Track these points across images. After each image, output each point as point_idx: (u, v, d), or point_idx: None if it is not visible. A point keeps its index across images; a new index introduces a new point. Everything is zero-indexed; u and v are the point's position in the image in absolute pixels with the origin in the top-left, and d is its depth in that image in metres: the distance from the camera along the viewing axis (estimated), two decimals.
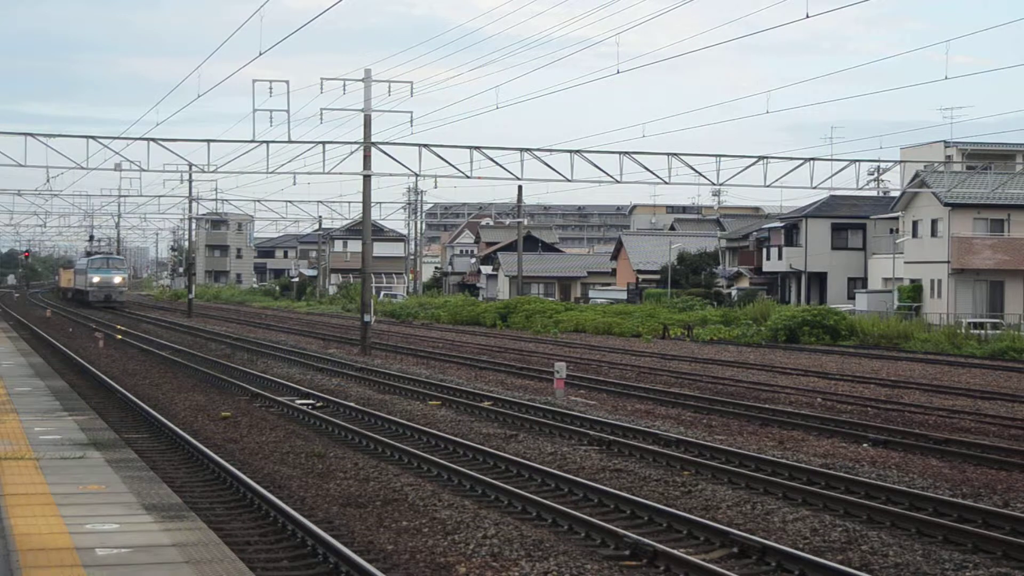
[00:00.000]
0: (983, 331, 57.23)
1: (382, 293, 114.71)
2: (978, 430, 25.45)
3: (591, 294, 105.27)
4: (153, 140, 46.62)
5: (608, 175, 48.90)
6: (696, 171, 49.97)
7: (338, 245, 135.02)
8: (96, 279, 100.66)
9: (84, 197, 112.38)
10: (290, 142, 46.62)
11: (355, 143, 49.26)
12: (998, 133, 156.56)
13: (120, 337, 41.69)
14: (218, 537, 13.05)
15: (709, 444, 22.05)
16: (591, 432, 23.89)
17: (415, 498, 17.10)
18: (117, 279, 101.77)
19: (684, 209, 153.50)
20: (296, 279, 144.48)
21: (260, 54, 41.89)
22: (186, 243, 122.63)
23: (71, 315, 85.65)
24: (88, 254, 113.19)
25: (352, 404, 28.68)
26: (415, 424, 24.98)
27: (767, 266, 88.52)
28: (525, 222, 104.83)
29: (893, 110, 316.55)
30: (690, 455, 21.18)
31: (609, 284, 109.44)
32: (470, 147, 47.47)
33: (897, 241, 74.77)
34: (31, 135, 45.68)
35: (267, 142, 46.52)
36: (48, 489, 15.43)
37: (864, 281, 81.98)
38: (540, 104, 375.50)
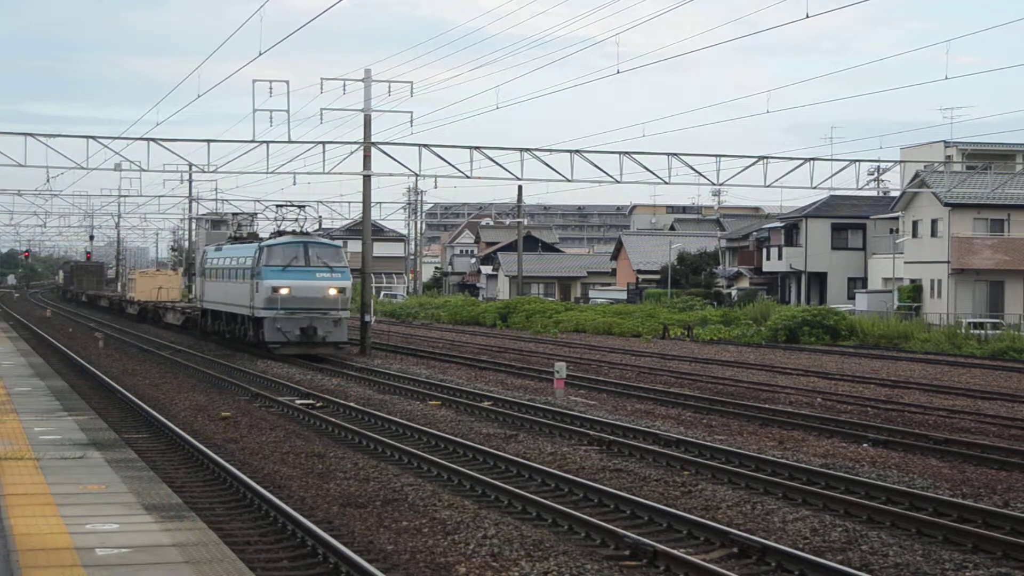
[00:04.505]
0: (983, 331, 57.22)
1: (382, 293, 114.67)
2: (978, 430, 25.45)
3: (591, 294, 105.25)
4: (153, 140, 46.59)
5: (608, 175, 48.88)
6: (696, 171, 49.95)
7: None
8: (283, 289, 43.75)
9: (84, 197, 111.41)
10: (290, 142, 46.62)
11: (355, 143, 49.24)
12: (998, 133, 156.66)
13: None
14: (218, 537, 13.05)
15: (709, 444, 22.05)
16: (591, 432, 23.88)
17: (415, 498, 17.10)
18: (332, 290, 44.19)
19: (684, 209, 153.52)
20: None
21: (260, 54, 41.82)
22: (186, 243, 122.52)
23: (71, 315, 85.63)
24: (272, 235, 49.40)
25: (352, 404, 28.68)
26: (415, 424, 24.98)
27: (767, 266, 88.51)
28: (525, 222, 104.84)
29: (893, 110, 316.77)
30: (690, 455, 21.18)
31: (609, 284, 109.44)
32: (470, 147, 47.45)
33: (897, 241, 74.75)
34: (31, 135, 45.64)
35: (267, 142, 46.49)
36: (48, 489, 15.43)
37: (864, 281, 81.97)
38: (540, 104, 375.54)
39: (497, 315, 78.75)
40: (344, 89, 48.03)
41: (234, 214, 56.43)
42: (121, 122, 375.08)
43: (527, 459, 20.59)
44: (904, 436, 23.78)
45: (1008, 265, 68.02)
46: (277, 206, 50.72)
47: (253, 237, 51.06)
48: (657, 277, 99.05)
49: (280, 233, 46.84)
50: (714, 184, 51.30)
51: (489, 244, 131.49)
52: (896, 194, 73.74)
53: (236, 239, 52.89)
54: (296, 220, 49.25)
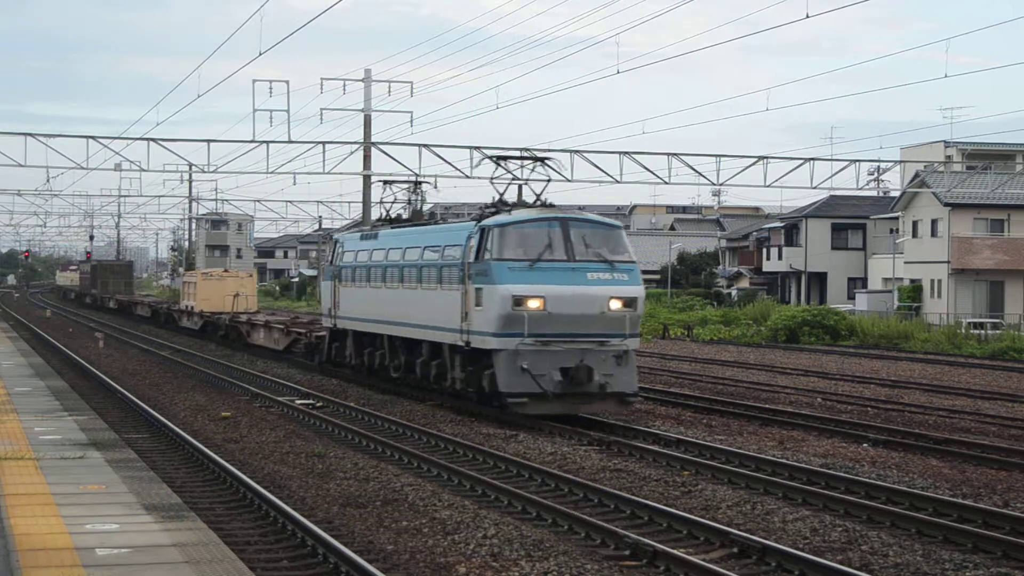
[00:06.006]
0: (983, 331, 57.24)
1: None
2: (978, 430, 25.46)
3: None
4: (153, 140, 46.61)
5: (608, 175, 48.87)
6: (696, 171, 49.98)
7: None
8: (533, 300, 24.87)
9: (84, 197, 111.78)
10: (290, 142, 46.68)
11: (355, 143, 49.30)
12: (998, 133, 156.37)
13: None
14: (218, 537, 13.06)
15: (709, 444, 22.05)
16: (591, 432, 23.87)
17: (415, 498, 17.10)
18: (615, 302, 25.41)
19: (684, 209, 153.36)
20: (296, 279, 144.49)
21: (260, 54, 41.87)
22: (186, 243, 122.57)
23: (71, 315, 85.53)
24: (487, 209, 27.55)
25: (352, 404, 28.69)
26: (415, 424, 24.98)
27: (767, 266, 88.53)
28: None
29: (893, 110, 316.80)
30: (690, 455, 21.18)
31: None
32: (470, 147, 47.46)
33: (897, 241, 74.76)
34: (31, 135, 45.68)
35: (267, 142, 46.53)
36: (48, 489, 15.43)
37: (864, 281, 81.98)
38: (540, 104, 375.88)
39: None
40: (344, 89, 48.23)
41: (386, 182, 35.85)
42: (121, 122, 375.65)
43: (527, 459, 20.59)
44: (904, 436, 23.78)
45: (1008, 265, 68.04)
46: (384, 183, 36.09)
47: (419, 216, 34.11)
48: (657, 277, 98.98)
49: (502, 205, 27.45)
50: (714, 184, 51.45)
51: None
52: (896, 194, 73.76)
53: (396, 221, 34.21)
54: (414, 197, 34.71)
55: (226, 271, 62.97)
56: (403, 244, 30.94)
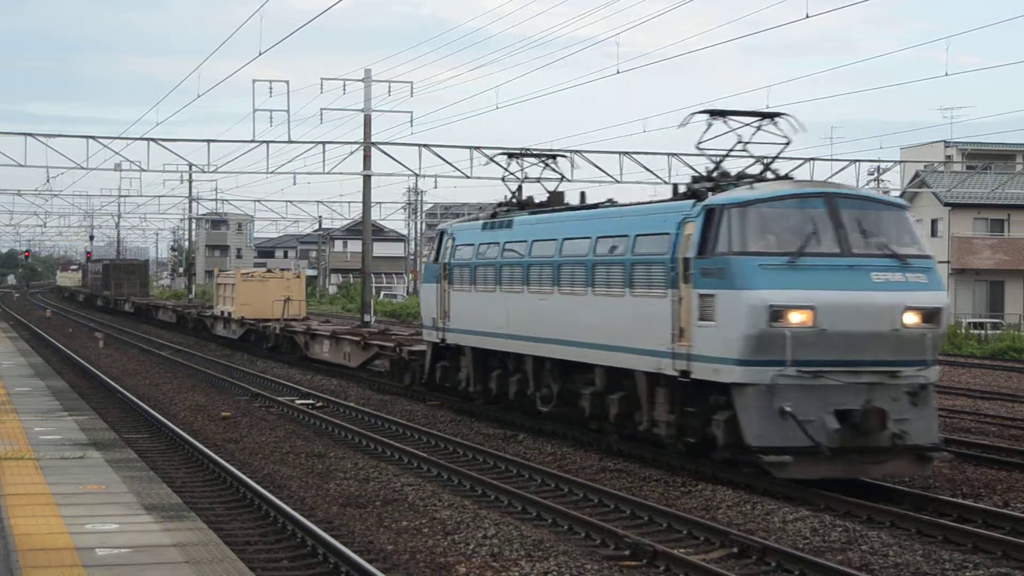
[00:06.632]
0: (983, 331, 57.25)
1: (382, 293, 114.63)
2: (978, 430, 25.46)
3: None
4: (153, 140, 46.61)
5: (608, 175, 48.85)
6: (696, 171, 49.88)
7: (338, 245, 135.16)
8: (796, 312, 17.36)
9: (84, 197, 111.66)
10: (290, 142, 46.67)
11: (355, 143, 49.28)
12: (998, 133, 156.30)
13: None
14: (218, 537, 13.06)
15: None
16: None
17: (415, 498, 17.10)
18: (912, 315, 17.82)
19: None
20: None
21: (260, 54, 41.95)
22: (186, 243, 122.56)
23: (71, 315, 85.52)
24: (699, 181, 20.38)
25: (352, 404, 28.69)
26: (415, 424, 24.99)
27: None
28: None
29: (893, 110, 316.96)
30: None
31: None
32: (470, 147, 47.46)
33: None
34: (31, 135, 45.68)
35: (267, 142, 46.52)
36: (48, 489, 15.43)
37: None
38: (540, 104, 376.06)
39: None
40: (344, 89, 48.17)
41: (510, 154, 29.27)
42: (121, 122, 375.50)
43: (527, 459, 20.59)
44: None
45: (1008, 265, 68.07)
46: (509, 155, 29.20)
47: (558, 199, 26.92)
48: None
49: (724, 178, 20.46)
50: None
51: None
52: (896, 194, 73.79)
53: (529, 205, 26.98)
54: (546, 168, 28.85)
55: (269, 271, 53.35)
56: (558, 234, 23.20)
